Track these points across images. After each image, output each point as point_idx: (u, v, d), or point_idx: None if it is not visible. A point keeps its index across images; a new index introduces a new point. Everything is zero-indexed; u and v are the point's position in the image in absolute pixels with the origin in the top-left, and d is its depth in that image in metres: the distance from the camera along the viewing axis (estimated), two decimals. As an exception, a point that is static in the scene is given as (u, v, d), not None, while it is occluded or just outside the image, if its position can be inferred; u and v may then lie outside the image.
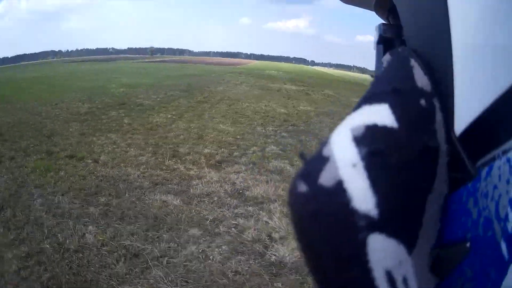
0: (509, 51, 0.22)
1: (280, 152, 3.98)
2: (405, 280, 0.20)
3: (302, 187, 0.21)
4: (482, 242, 0.22)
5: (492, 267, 0.20)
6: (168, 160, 3.58)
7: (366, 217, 0.19)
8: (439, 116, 0.26)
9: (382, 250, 0.19)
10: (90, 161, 3.49)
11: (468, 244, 0.23)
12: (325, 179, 0.20)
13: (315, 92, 10.88)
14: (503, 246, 0.20)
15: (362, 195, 0.20)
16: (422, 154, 0.23)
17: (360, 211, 0.19)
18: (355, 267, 0.19)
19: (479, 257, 0.22)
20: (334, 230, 0.20)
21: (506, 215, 0.20)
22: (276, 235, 2.24)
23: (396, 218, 0.20)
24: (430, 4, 0.32)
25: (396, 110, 0.24)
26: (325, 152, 0.22)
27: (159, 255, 2.02)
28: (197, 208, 2.60)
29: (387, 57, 0.34)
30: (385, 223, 0.20)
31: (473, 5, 0.26)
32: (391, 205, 0.20)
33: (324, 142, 0.23)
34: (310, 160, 0.22)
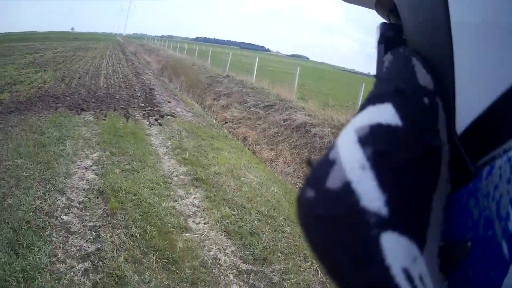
0: (510, 51, 0.22)
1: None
2: (421, 278, 0.20)
3: (310, 193, 0.21)
4: (483, 242, 0.22)
5: (493, 267, 0.20)
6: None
7: (376, 215, 0.19)
8: (442, 114, 0.26)
9: (396, 248, 0.19)
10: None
11: (468, 244, 0.23)
12: (333, 182, 0.20)
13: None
14: (504, 246, 0.20)
15: (370, 194, 0.20)
16: (426, 153, 0.23)
17: (370, 210, 0.19)
18: (372, 265, 0.19)
19: (479, 257, 0.22)
20: (346, 230, 0.19)
21: (507, 215, 0.20)
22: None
23: (406, 216, 0.20)
24: (431, 3, 0.31)
25: (400, 109, 0.23)
26: (331, 155, 0.22)
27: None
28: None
29: (388, 57, 0.34)
30: (395, 221, 0.20)
31: (474, 4, 0.26)
32: (399, 203, 0.20)
33: (330, 146, 0.23)
34: (316, 165, 0.22)
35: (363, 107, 0.25)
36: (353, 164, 0.21)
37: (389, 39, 0.40)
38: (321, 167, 0.22)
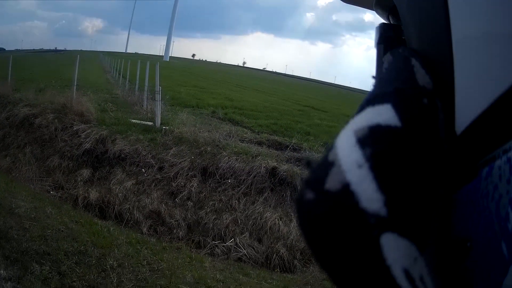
0: (509, 51, 0.22)
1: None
2: (422, 279, 0.20)
3: (309, 195, 0.21)
4: (483, 242, 0.22)
5: (493, 267, 0.20)
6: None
7: (376, 216, 0.19)
8: (441, 115, 0.26)
9: (396, 249, 0.19)
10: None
11: (468, 244, 0.23)
12: (332, 183, 0.20)
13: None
14: (504, 246, 0.20)
15: (370, 196, 0.20)
16: (425, 154, 0.23)
17: (370, 211, 0.19)
18: (373, 266, 0.19)
19: (479, 257, 0.22)
20: (346, 231, 0.19)
21: (507, 215, 0.20)
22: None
23: (405, 217, 0.20)
24: (430, 4, 0.31)
25: (399, 110, 0.23)
26: (330, 157, 0.22)
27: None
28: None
29: (388, 57, 0.34)
30: (395, 222, 0.20)
31: (473, 5, 0.26)
32: (399, 204, 0.20)
33: (329, 147, 0.23)
34: (315, 167, 0.22)
35: (362, 107, 0.25)
36: (352, 165, 0.20)
37: (389, 40, 0.41)
38: (320, 168, 0.21)
